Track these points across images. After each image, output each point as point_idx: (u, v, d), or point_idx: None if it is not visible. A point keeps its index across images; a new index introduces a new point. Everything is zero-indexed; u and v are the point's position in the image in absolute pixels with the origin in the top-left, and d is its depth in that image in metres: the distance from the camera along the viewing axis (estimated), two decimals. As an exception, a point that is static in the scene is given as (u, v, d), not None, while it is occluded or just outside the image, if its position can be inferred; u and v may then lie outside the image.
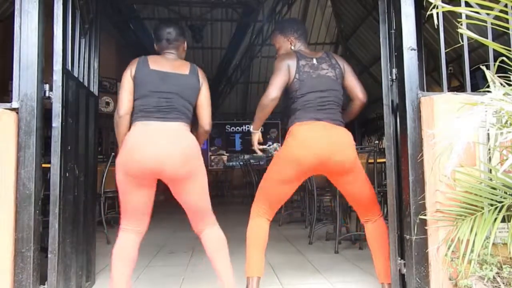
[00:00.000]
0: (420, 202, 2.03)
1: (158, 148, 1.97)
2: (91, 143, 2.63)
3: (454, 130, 1.45)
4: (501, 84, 1.61)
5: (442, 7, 1.51)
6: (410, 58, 2.14)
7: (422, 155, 2.04)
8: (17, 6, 2.05)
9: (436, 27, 1.71)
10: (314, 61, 2.30)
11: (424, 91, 2.18)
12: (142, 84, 2.06)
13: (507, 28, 1.81)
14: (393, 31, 2.26)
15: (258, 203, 2.35)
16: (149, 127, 2.02)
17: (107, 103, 8.68)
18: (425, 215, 2.01)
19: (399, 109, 2.19)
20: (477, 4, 1.60)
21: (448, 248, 1.89)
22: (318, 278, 2.82)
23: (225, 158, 13.32)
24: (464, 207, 1.88)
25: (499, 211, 1.70)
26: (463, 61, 2.20)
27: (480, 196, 1.82)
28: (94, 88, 2.74)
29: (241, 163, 11.34)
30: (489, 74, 1.65)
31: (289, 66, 2.24)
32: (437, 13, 1.47)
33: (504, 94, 1.51)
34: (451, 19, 2.51)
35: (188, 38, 9.36)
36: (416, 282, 2.02)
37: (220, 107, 12.98)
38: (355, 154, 2.26)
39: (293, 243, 4.04)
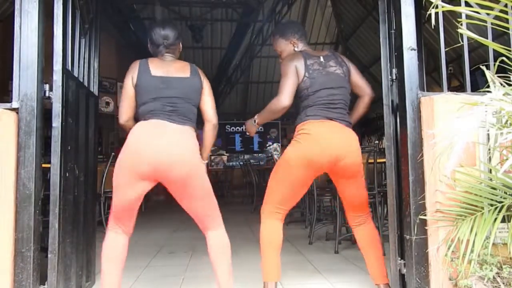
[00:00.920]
0: (420, 202, 2.03)
1: (159, 144, 1.96)
2: (91, 143, 2.63)
3: (454, 130, 1.45)
4: (501, 84, 1.61)
5: (442, 6, 1.51)
6: (410, 58, 2.14)
7: (422, 155, 2.04)
8: (17, 6, 2.05)
9: (433, 27, 1.71)
10: (321, 59, 2.28)
11: (424, 91, 2.18)
12: (145, 92, 2.03)
13: (507, 28, 1.81)
14: (393, 31, 2.26)
15: (270, 204, 2.28)
16: (153, 124, 2.00)
17: (107, 103, 8.68)
18: (425, 215, 2.01)
19: (399, 109, 2.19)
20: (477, 4, 1.60)
21: (448, 248, 1.89)
22: (318, 278, 2.81)
23: (225, 158, 13.30)
24: (464, 207, 1.88)
25: (499, 211, 1.70)
26: (463, 61, 2.20)
27: (480, 196, 1.82)
28: (94, 88, 2.74)
29: (241, 163, 11.32)
30: (489, 74, 1.65)
31: (296, 67, 2.21)
32: (436, 13, 1.47)
33: (504, 94, 1.51)
34: (451, 19, 2.50)
35: (188, 38, 9.42)
36: (416, 282, 2.02)
37: (220, 107, 12.96)
38: (361, 158, 2.25)
39: (293, 243, 4.03)
